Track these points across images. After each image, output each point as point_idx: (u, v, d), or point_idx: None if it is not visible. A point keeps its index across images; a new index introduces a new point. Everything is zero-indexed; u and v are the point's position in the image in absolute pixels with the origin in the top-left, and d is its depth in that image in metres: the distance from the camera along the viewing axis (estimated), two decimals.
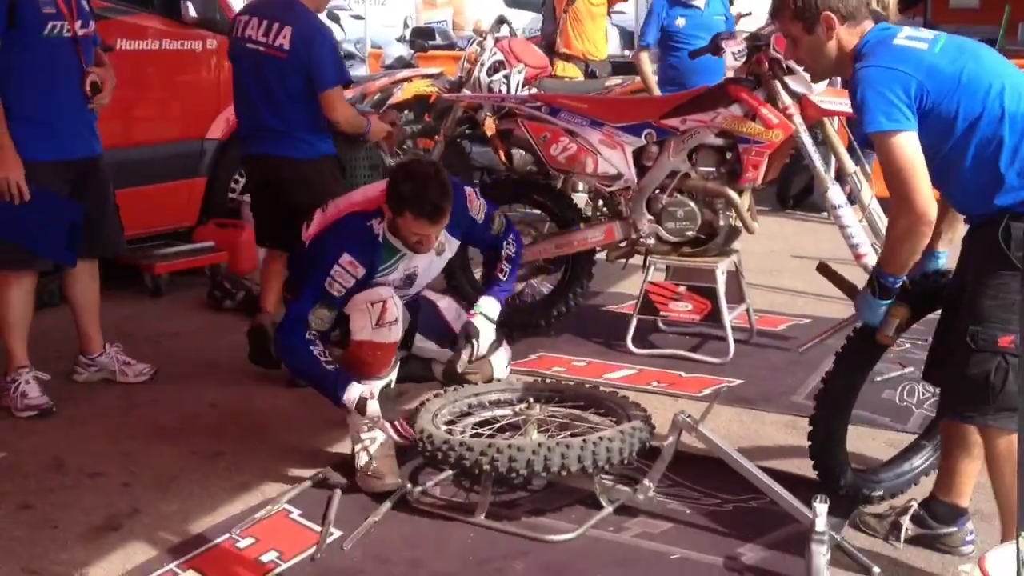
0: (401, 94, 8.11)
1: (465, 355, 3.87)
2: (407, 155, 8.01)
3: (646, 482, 3.37)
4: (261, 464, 3.80)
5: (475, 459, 3.25)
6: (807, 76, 4.71)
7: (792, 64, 4.73)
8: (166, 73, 6.27)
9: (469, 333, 3.90)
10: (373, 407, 3.57)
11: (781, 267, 6.84)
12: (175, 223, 6.47)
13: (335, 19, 11.74)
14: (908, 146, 2.77)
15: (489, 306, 4.01)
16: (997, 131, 2.80)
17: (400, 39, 11.25)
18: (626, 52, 14.04)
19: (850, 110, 4.89)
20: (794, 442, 4.01)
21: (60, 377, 4.60)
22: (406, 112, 8.32)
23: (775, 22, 4.92)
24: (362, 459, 3.61)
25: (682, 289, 5.00)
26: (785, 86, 4.78)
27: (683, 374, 4.77)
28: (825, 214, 8.13)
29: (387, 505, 3.44)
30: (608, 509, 3.41)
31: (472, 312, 4.00)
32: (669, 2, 7.02)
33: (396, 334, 3.72)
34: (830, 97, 4.86)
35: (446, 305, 4.10)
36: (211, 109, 6.54)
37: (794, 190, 8.66)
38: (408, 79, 8.40)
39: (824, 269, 3.54)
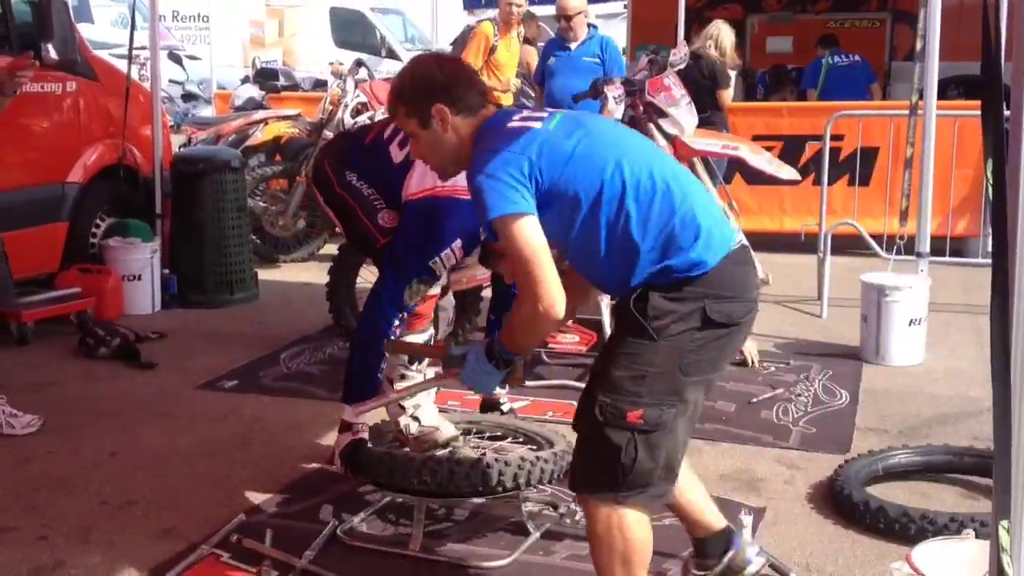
0: (261, 135, 8.10)
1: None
2: (264, 197, 8.01)
3: (572, 506, 3.52)
4: (178, 510, 3.77)
5: (417, 474, 3.35)
6: (680, 119, 5.06)
7: (665, 107, 5.05)
8: (25, 116, 6.13)
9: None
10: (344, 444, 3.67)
11: None
12: (36, 269, 6.30)
13: (177, 60, 11.58)
14: (528, 229, 2.55)
15: None
16: (623, 205, 2.59)
17: (245, 80, 11.18)
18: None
19: (721, 150, 5.28)
20: (691, 462, 4.21)
21: None
22: (259, 155, 8.33)
23: (648, 67, 5.26)
24: (413, 427, 3.73)
25: (569, 322, 5.20)
26: (659, 127, 5.08)
27: (575, 403, 4.93)
28: None
29: (320, 541, 3.48)
30: (536, 535, 3.54)
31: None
32: (551, 43, 7.28)
33: (436, 288, 3.83)
34: (701, 139, 5.18)
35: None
36: (71, 152, 6.44)
37: None
38: (264, 121, 8.39)
39: (397, 346, 3.58)
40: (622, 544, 2.65)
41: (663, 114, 5.06)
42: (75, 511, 3.77)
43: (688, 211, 2.59)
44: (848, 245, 7.56)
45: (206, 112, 10.62)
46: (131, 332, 5.86)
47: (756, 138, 8.90)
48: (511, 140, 2.64)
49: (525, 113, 2.84)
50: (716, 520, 3.07)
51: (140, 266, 6.55)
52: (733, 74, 8.68)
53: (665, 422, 2.59)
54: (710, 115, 8.55)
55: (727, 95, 8.52)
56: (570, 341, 5.18)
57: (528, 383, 5.17)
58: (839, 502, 3.76)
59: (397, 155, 3.95)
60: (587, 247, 2.65)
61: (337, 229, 4.28)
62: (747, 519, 3.13)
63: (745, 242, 2.72)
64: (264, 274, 7.37)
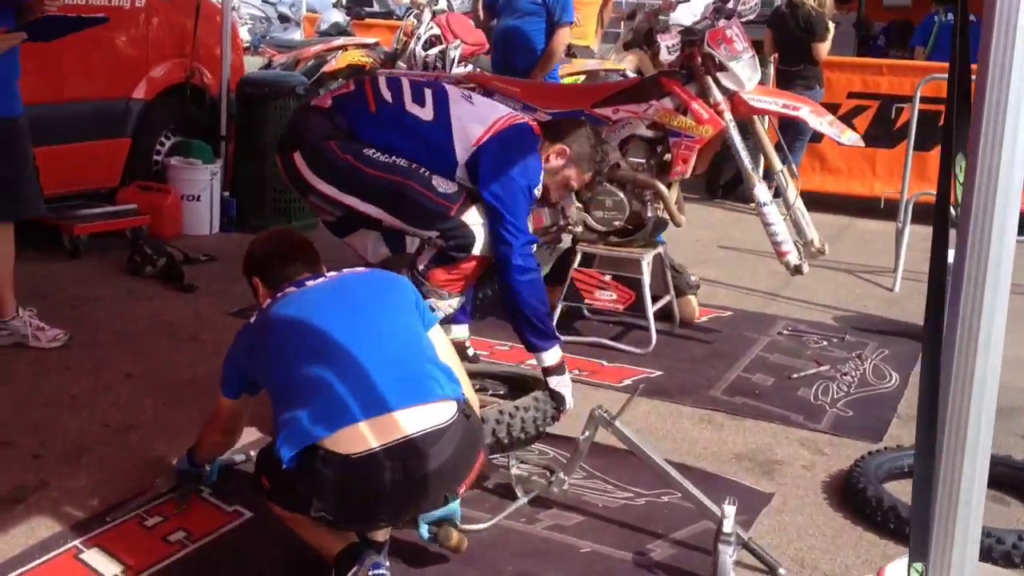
0: (336, 63, 8.02)
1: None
2: None
3: (561, 475, 3.39)
4: (175, 440, 3.73)
5: None
6: (740, 73, 4.78)
7: (725, 60, 4.78)
8: (93, 30, 6.08)
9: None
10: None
11: (707, 257, 6.91)
12: (97, 184, 6.34)
13: None
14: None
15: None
16: None
17: (336, 4, 11.08)
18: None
19: (781, 109, 5.00)
20: (708, 437, 4.07)
21: None
22: (336, 82, 8.24)
23: (712, 16, 4.99)
24: None
25: (607, 278, 5.02)
26: (717, 82, 4.82)
27: (605, 363, 4.81)
28: (752, 204, 8.26)
29: None
30: (522, 500, 3.41)
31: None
32: None
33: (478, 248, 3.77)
34: (761, 96, 4.90)
35: None
36: (137, 68, 6.42)
37: (723, 179, 8.74)
38: (343, 47, 8.30)
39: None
40: None
41: (722, 68, 4.78)
42: (75, 431, 3.78)
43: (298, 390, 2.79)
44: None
45: (295, 35, 10.56)
46: (179, 253, 5.87)
47: (852, 96, 8.51)
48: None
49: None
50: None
51: (200, 187, 6.55)
52: (832, 26, 8.27)
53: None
54: (803, 68, 8.21)
55: (823, 48, 8.14)
56: (608, 298, 5.00)
57: (561, 337, 5.01)
58: (852, 495, 3.54)
59: (425, 113, 3.84)
60: None
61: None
62: (730, 509, 2.95)
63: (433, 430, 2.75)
64: None
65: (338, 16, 9.92)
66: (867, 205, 8.34)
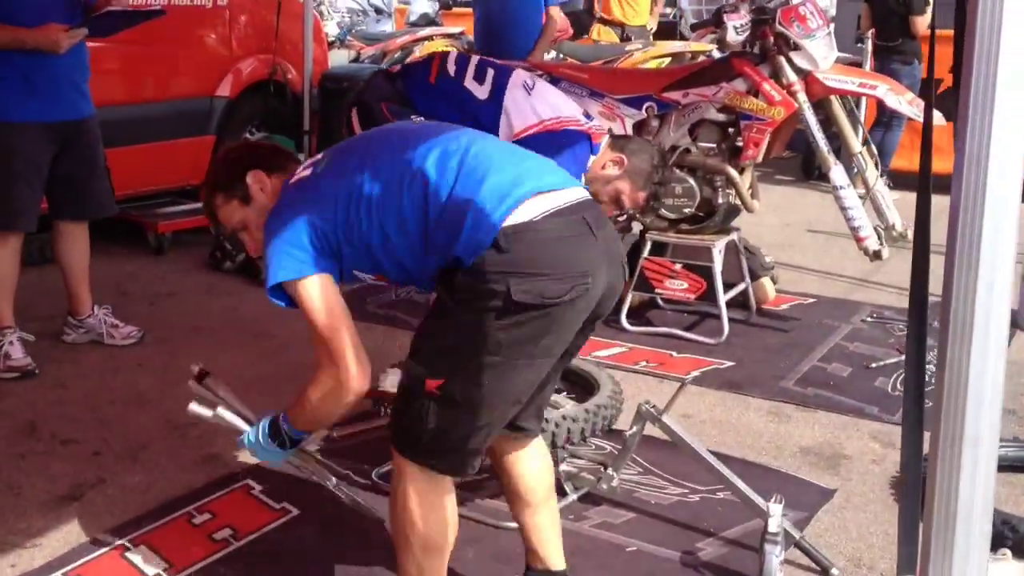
0: (419, 53, 8.02)
1: None
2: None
3: (610, 471, 3.31)
4: (233, 437, 3.76)
5: None
6: (814, 52, 4.61)
7: (799, 39, 4.62)
8: (175, 29, 6.20)
9: None
10: None
11: (794, 242, 6.72)
12: (183, 181, 6.45)
13: None
14: (314, 289, 2.40)
15: None
16: (369, 227, 2.40)
17: None
18: (667, 10, 13.80)
19: (857, 88, 4.79)
20: (774, 430, 3.94)
21: (48, 337, 4.61)
22: None
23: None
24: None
25: (678, 267, 4.90)
26: (790, 62, 4.65)
27: (674, 354, 4.70)
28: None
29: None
30: (572, 497, 3.35)
31: None
32: None
33: None
34: (837, 75, 4.71)
35: None
36: (220, 66, 6.51)
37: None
38: (429, 38, 8.30)
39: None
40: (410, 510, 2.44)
41: (796, 47, 4.61)
42: (137, 428, 3.85)
43: (454, 197, 2.33)
44: None
45: (387, 27, 10.61)
46: None
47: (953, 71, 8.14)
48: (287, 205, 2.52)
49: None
50: (556, 558, 2.75)
51: None
52: None
53: (462, 398, 2.35)
54: (900, 44, 7.93)
55: (922, 22, 7.83)
56: (678, 288, 4.88)
57: (631, 328, 4.93)
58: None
59: (481, 91, 3.81)
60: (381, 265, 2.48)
61: None
62: (776, 507, 2.84)
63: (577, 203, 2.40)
64: None
65: (427, 6, 9.95)
66: (943, 180, 7.98)
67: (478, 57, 4.05)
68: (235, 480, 3.46)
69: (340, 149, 2.61)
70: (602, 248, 2.38)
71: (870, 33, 8.14)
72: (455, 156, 2.40)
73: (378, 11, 11.21)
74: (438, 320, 2.41)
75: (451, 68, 3.86)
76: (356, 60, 8.72)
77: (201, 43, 6.41)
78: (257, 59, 6.73)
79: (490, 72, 3.87)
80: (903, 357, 4.61)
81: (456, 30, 8.34)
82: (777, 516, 2.84)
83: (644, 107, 4.83)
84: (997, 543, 3.05)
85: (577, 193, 2.44)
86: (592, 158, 3.66)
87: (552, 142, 3.62)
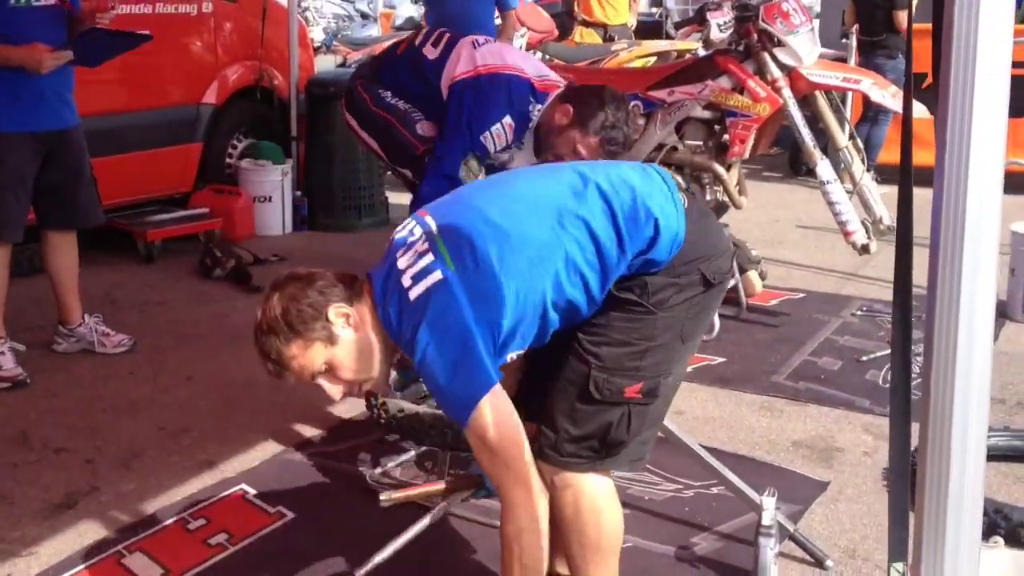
0: None
1: None
2: None
3: None
4: (226, 442, 3.79)
5: (424, 429, 3.23)
6: (798, 48, 4.63)
7: (782, 35, 4.64)
8: (161, 37, 6.16)
9: None
10: None
11: (783, 237, 6.74)
12: (171, 189, 6.46)
13: None
14: (496, 400, 2.19)
15: None
16: (571, 281, 2.27)
17: None
18: (653, 10, 13.83)
19: (841, 83, 4.82)
20: (767, 424, 3.96)
21: (39, 347, 4.60)
22: None
23: None
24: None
25: None
26: (775, 58, 4.67)
27: None
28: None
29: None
30: None
31: None
32: None
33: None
34: (821, 70, 4.74)
35: None
36: (207, 74, 6.52)
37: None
38: None
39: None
40: (595, 521, 2.41)
41: (779, 43, 4.64)
42: (129, 435, 3.84)
43: (636, 226, 2.29)
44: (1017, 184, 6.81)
45: (373, 31, 10.63)
46: (248, 254, 5.95)
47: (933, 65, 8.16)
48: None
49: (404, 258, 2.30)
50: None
51: (271, 188, 6.63)
52: None
53: (660, 392, 2.41)
54: (884, 38, 7.96)
55: (906, 16, 7.85)
56: None
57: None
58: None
59: (432, 53, 3.95)
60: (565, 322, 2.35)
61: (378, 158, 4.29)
62: (769, 501, 2.84)
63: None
64: (395, 198, 7.32)
65: (412, 10, 9.96)
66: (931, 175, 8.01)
67: (447, 33, 4.13)
68: (229, 485, 3.45)
69: (461, 240, 2.25)
70: None
71: (854, 29, 8.17)
72: (591, 184, 2.34)
73: (364, 16, 11.23)
74: (623, 328, 2.33)
75: (417, 40, 4.03)
76: (343, 65, 8.74)
77: (187, 51, 6.42)
78: (243, 66, 6.74)
79: (446, 37, 4.03)
80: None
81: None
82: (771, 509, 2.84)
83: (630, 106, 4.83)
84: (989, 532, 3.08)
85: None
86: (538, 107, 3.71)
87: (484, 84, 3.73)
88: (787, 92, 4.67)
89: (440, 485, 2.80)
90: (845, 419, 4.00)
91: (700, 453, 3.15)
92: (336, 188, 6.82)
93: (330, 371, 2.31)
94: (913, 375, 4.46)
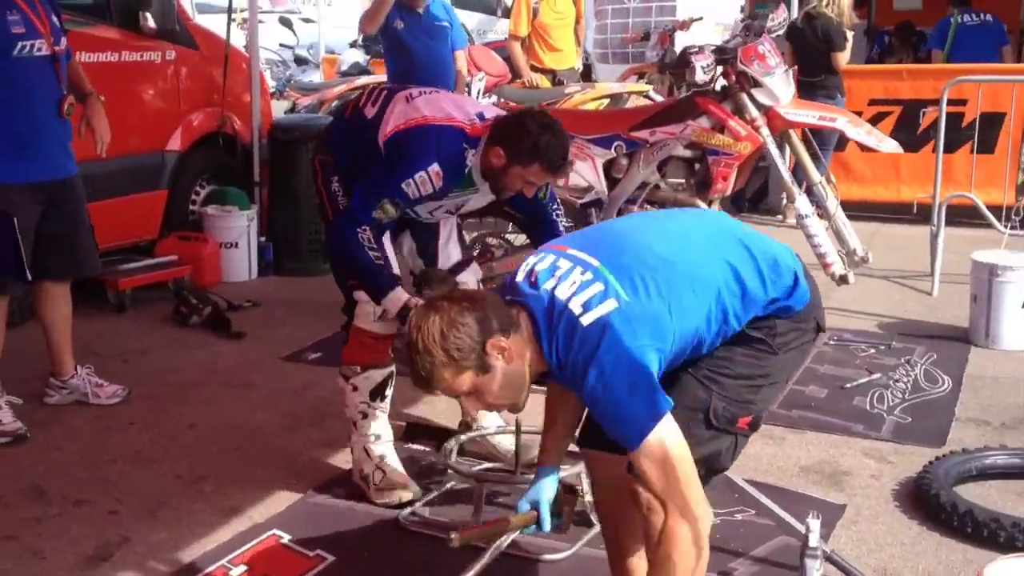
0: None
1: None
2: None
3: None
4: (247, 487, 3.78)
5: None
6: (774, 88, 4.83)
7: (759, 76, 4.83)
8: (126, 85, 6.18)
9: None
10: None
11: None
12: (137, 237, 6.40)
13: (287, 24, 11.64)
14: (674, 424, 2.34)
15: None
16: (724, 324, 2.48)
17: (354, 44, 11.19)
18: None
19: (817, 121, 5.03)
20: (771, 452, 4.08)
21: (30, 400, 4.53)
22: None
23: (743, 33, 5.04)
24: (377, 477, 3.65)
25: None
26: (752, 98, 4.86)
27: None
28: (780, 217, 8.29)
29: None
30: (598, 527, 3.43)
31: None
32: (394, 8, 6.69)
33: (392, 328, 3.68)
34: (796, 108, 4.94)
35: (444, 238, 4.04)
36: (171, 121, 6.50)
37: (749, 193, 8.76)
38: (366, 87, 8.35)
39: (462, 538, 2.72)
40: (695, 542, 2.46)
41: (757, 84, 4.83)
42: (148, 485, 3.81)
43: (778, 275, 2.53)
44: (968, 216, 7.15)
45: (315, 77, 10.66)
46: (223, 300, 5.92)
47: (873, 103, 8.53)
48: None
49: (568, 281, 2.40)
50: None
51: (237, 234, 6.61)
52: (850, 35, 8.30)
53: (759, 426, 2.66)
54: (823, 79, 8.24)
55: (842, 58, 8.17)
56: None
57: None
58: (925, 502, 3.55)
59: (371, 111, 3.77)
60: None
61: None
62: (815, 523, 2.96)
63: None
64: None
65: (358, 55, 10.03)
66: (893, 210, 8.33)
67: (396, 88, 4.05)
68: (262, 531, 3.46)
69: (632, 270, 2.38)
70: None
71: (793, 70, 8.45)
72: (729, 234, 2.57)
73: (301, 61, 11.24)
74: (746, 362, 2.51)
75: (362, 100, 3.87)
76: (291, 110, 8.75)
77: (152, 98, 6.39)
78: (205, 112, 6.72)
79: (383, 94, 3.87)
80: (874, 377, 4.84)
81: None
82: (816, 531, 2.95)
83: (613, 146, 5.00)
84: (1009, 545, 3.25)
85: None
86: (472, 152, 3.63)
87: (412, 136, 3.62)
88: (765, 131, 4.86)
89: (506, 522, 2.85)
90: (844, 444, 4.15)
91: (738, 483, 3.26)
92: (301, 232, 6.82)
93: (475, 394, 2.42)
94: (897, 400, 4.65)
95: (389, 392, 3.79)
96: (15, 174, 4.10)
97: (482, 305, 2.39)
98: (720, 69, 4.93)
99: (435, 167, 3.56)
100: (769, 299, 2.49)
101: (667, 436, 2.29)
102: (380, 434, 3.75)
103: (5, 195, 4.07)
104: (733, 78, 4.86)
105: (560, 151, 3.53)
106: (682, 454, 2.32)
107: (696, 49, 4.96)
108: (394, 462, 3.73)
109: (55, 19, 4.28)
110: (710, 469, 2.51)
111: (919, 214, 7.77)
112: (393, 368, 3.78)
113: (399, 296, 3.52)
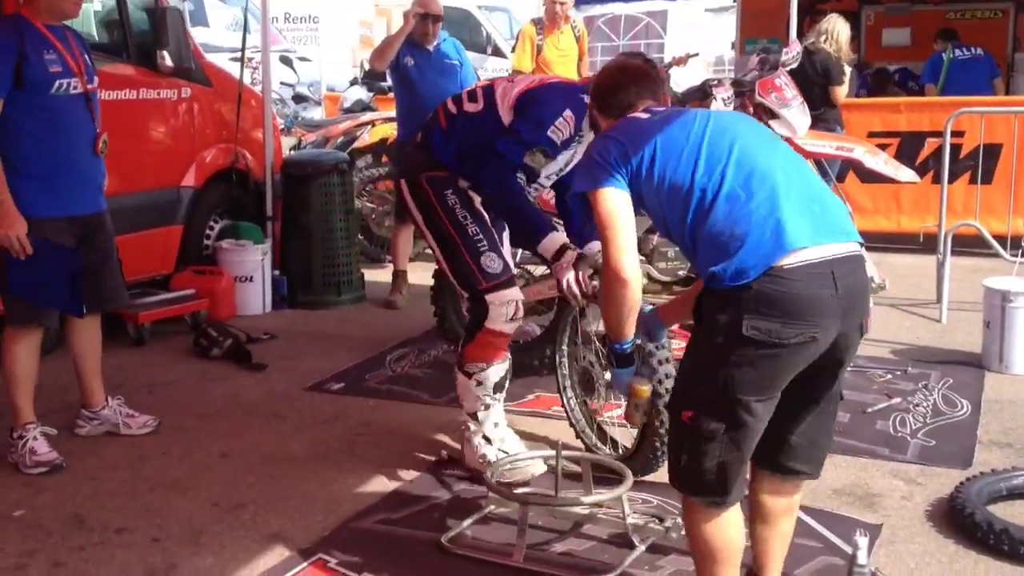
0: (368, 138, 8.16)
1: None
2: (370, 199, 8.08)
3: (678, 520, 3.45)
4: (286, 514, 3.81)
5: None
6: (792, 119, 4.93)
7: (777, 108, 4.93)
8: (142, 122, 6.26)
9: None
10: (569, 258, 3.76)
11: None
12: (153, 271, 6.43)
13: (287, 63, 11.74)
14: (608, 200, 2.77)
15: None
16: (694, 201, 2.68)
17: (353, 81, 11.30)
18: None
19: (835, 151, 5.14)
20: None
21: (62, 430, 4.55)
22: (366, 157, 8.40)
23: (758, 67, 5.15)
24: (503, 460, 3.97)
25: (675, 327, 5.10)
26: (771, 129, 4.96)
27: None
28: None
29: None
30: (641, 548, 3.48)
31: None
32: (405, 46, 6.75)
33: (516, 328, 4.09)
34: (814, 139, 5.04)
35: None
36: (186, 157, 6.56)
37: None
38: (371, 123, 8.45)
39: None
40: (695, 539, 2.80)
41: (774, 115, 4.93)
42: (187, 513, 3.84)
43: (747, 216, 2.59)
44: (970, 245, 7.27)
45: (315, 114, 10.76)
46: (243, 333, 5.96)
47: (872, 135, 8.67)
48: (617, 129, 2.94)
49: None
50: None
51: (251, 268, 6.66)
52: (848, 69, 8.46)
53: (714, 432, 2.61)
54: (823, 112, 8.35)
55: (841, 92, 8.31)
56: (678, 348, 5.07)
57: None
58: (960, 521, 3.61)
59: (475, 107, 4.06)
60: (671, 232, 2.84)
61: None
62: (863, 540, 3.03)
63: (852, 254, 2.66)
64: (371, 275, 7.43)
65: (360, 92, 10.14)
66: (894, 240, 8.45)
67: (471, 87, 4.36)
68: (308, 555, 3.49)
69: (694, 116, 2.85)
70: (839, 303, 2.60)
71: None
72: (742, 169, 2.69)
73: (300, 99, 11.32)
74: (692, 345, 2.77)
75: (452, 108, 4.12)
76: (296, 147, 8.82)
77: (169, 134, 6.45)
78: (219, 149, 6.79)
79: (479, 90, 4.17)
80: (894, 401, 4.91)
81: None
82: (864, 548, 3.02)
83: None
84: None
85: (839, 248, 2.63)
86: (586, 97, 3.72)
87: (544, 91, 3.94)
88: None
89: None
90: (873, 467, 4.21)
91: None
92: (314, 265, 6.88)
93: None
94: (919, 424, 4.71)
95: (507, 385, 4.15)
96: (52, 208, 4.16)
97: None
98: (737, 101, 5.02)
99: (568, 112, 3.85)
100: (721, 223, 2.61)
101: (596, 197, 2.79)
102: (499, 422, 4.13)
103: (41, 228, 4.12)
104: (751, 110, 4.96)
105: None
106: (600, 219, 2.79)
107: (716, 82, 5.07)
108: (517, 445, 4.13)
109: (87, 58, 4.35)
110: (674, 469, 2.74)
111: (913, 242, 7.90)
112: (510, 363, 4.12)
113: (558, 237, 3.81)
